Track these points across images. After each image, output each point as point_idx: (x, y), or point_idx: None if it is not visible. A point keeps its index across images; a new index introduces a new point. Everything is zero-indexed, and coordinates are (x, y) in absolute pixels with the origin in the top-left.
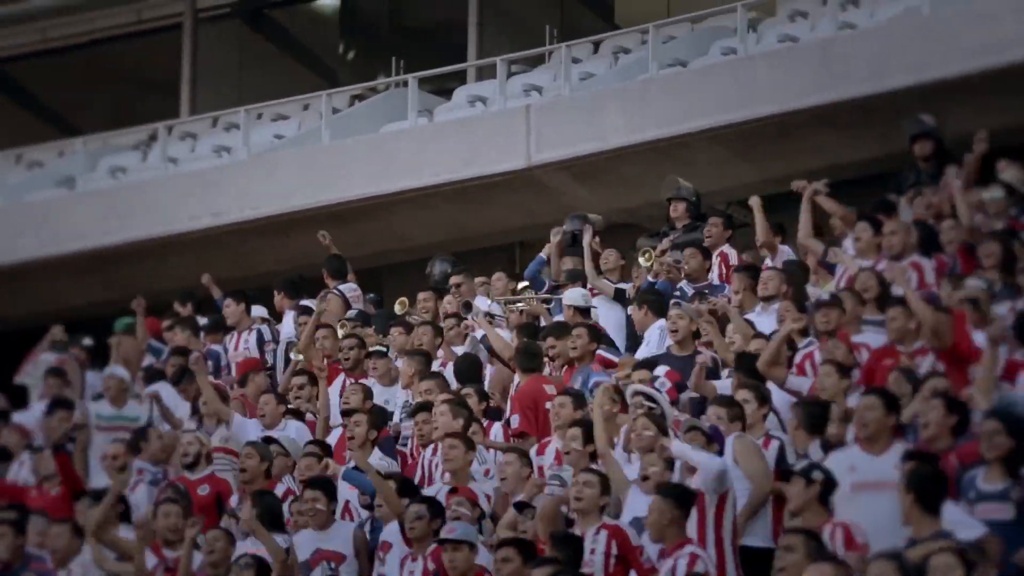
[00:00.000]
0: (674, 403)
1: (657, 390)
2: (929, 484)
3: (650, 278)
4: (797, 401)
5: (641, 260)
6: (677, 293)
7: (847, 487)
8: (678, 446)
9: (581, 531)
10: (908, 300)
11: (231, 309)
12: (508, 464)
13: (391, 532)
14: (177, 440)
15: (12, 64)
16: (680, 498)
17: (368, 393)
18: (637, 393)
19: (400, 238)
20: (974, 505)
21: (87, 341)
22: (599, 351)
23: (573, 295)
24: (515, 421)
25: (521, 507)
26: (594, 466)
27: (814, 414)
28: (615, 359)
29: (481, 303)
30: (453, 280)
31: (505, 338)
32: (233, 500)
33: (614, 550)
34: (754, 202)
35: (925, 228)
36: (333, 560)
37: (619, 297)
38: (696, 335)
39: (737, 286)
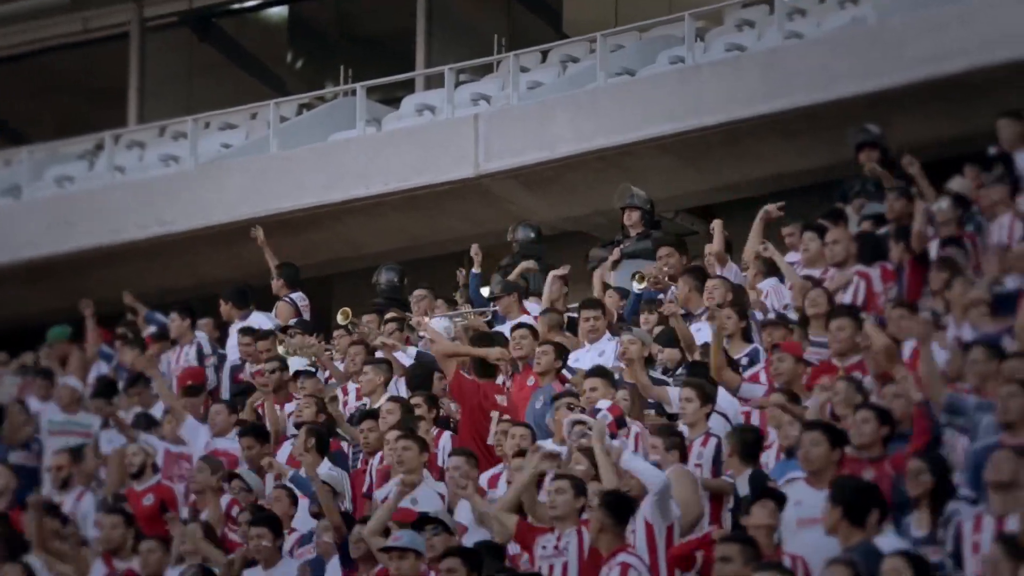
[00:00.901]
0: (613, 436)
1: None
2: (854, 497)
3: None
4: (731, 429)
5: (635, 285)
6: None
7: (792, 521)
8: (628, 458)
9: (559, 532)
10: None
11: (176, 324)
12: (455, 468)
13: (333, 569)
14: (119, 456)
15: None
16: (615, 507)
17: (320, 406)
18: (576, 423)
19: (350, 246)
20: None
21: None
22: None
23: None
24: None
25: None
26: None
27: (747, 441)
28: (569, 376)
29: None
30: (417, 294)
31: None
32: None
33: (586, 546)
34: (716, 224)
35: (869, 237)
36: None
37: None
38: (648, 360)
39: (683, 288)
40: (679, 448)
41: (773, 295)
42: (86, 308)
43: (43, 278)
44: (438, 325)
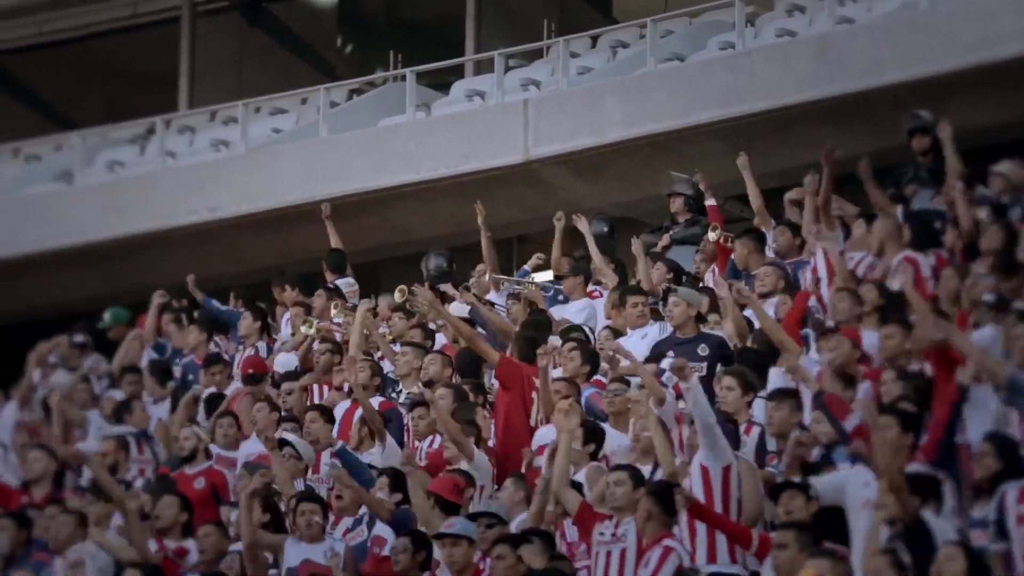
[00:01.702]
0: (679, 398)
1: (664, 384)
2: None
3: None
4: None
5: (711, 235)
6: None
7: (859, 501)
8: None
9: (616, 520)
10: (908, 298)
11: (247, 323)
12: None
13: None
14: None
15: (9, 58)
16: (662, 496)
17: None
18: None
19: (398, 232)
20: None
21: (79, 338)
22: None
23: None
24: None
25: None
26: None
27: None
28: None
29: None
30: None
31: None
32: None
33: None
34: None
35: (922, 222)
36: (321, 574)
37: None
38: (699, 318)
39: (742, 250)
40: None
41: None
42: (160, 297)
43: (93, 264)
44: (459, 311)
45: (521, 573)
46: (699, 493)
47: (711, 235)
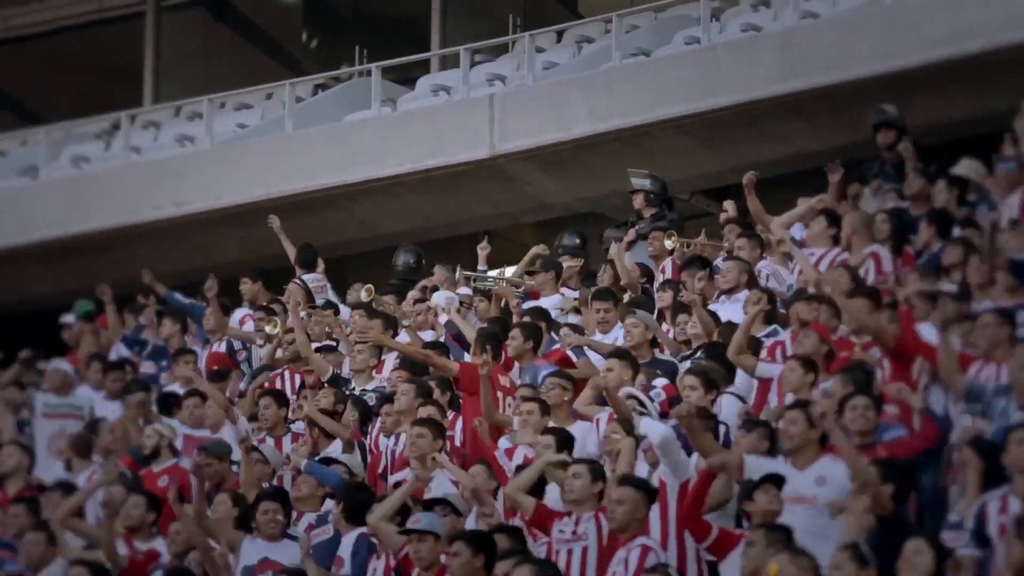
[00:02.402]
0: (663, 415)
1: (650, 398)
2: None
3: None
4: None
5: (667, 243)
6: None
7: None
8: (644, 422)
9: (576, 516)
10: (841, 307)
11: (248, 286)
12: (476, 475)
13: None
14: (129, 430)
15: None
16: (649, 491)
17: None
18: (631, 396)
19: (365, 227)
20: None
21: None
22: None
23: (440, 298)
24: None
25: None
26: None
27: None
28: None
29: (439, 298)
30: (438, 277)
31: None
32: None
33: (604, 531)
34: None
35: (899, 216)
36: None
37: None
38: (652, 343)
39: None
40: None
41: (773, 278)
42: (104, 293)
43: (59, 259)
44: (441, 298)
45: (476, 569)
46: (655, 507)
47: (667, 243)
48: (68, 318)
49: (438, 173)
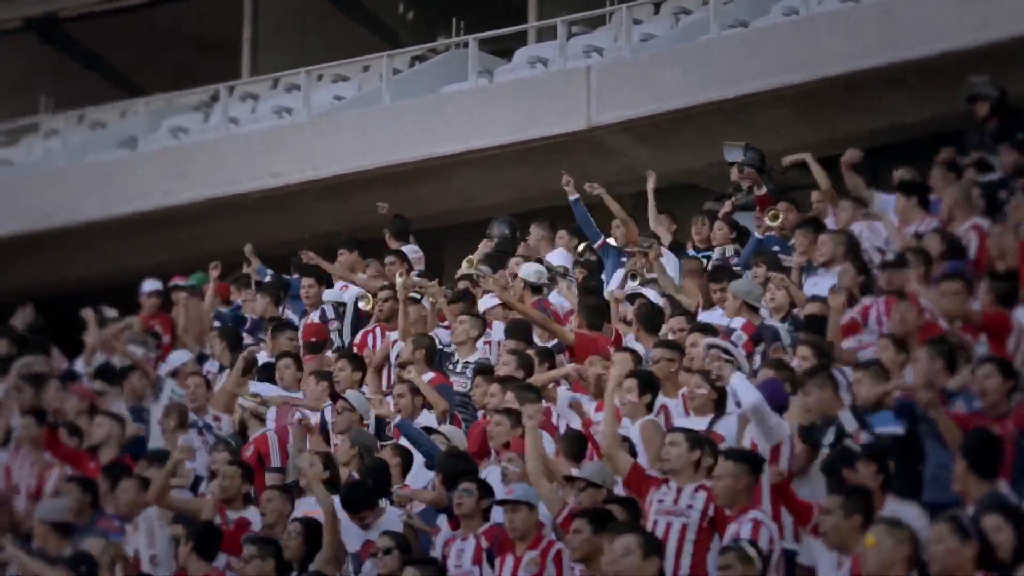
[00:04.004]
0: (749, 356)
1: (733, 343)
2: (982, 448)
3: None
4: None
5: (769, 222)
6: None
7: None
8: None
9: (677, 486)
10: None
11: (345, 257)
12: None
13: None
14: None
15: (75, 24)
16: (752, 463)
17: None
18: (713, 347)
19: (461, 199)
20: None
21: (110, 312)
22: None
23: (527, 270)
24: None
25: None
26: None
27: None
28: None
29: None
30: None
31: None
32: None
33: (711, 511)
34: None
35: (990, 190)
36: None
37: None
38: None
39: (802, 241)
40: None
41: (868, 231)
42: (215, 267)
43: (156, 229)
44: (529, 270)
45: (597, 547)
46: None
47: (769, 223)
48: (152, 285)
49: (534, 145)
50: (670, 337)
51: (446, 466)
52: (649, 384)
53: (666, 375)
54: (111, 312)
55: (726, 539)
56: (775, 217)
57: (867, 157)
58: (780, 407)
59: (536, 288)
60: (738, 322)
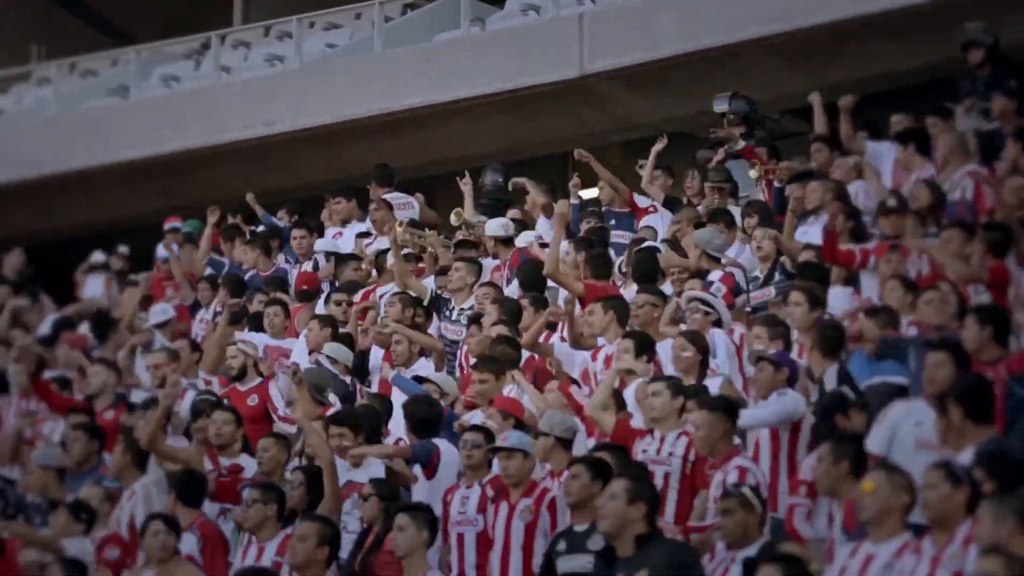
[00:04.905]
0: (730, 307)
1: (712, 295)
2: (977, 392)
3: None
4: (816, 320)
5: (751, 173)
6: None
7: (909, 442)
8: (747, 415)
9: (660, 435)
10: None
11: (343, 205)
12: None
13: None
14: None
15: None
16: (728, 410)
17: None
18: (693, 299)
19: (453, 147)
20: None
21: (123, 249)
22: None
23: (492, 226)
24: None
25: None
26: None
27: (829, 336)
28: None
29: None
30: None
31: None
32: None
33: (691, 456)
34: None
35: (985, 136)
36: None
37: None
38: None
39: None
40: (783, 338)
41: (863, 195)
42: (213, 212)
43: (148, 178)
44: (496, 225)
45: (594, 493)
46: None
47: (751, 174)
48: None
49: (526, 93)
50: (671, 280)
51: (415, 412)
52: (645, 345)
53: (649, 320)
54: (123, 249)
55: (712, 486)
56: (755, 169)
57: (859, 105)
58: (791, 377)
59: (506, 241)
60: (716, 274)
